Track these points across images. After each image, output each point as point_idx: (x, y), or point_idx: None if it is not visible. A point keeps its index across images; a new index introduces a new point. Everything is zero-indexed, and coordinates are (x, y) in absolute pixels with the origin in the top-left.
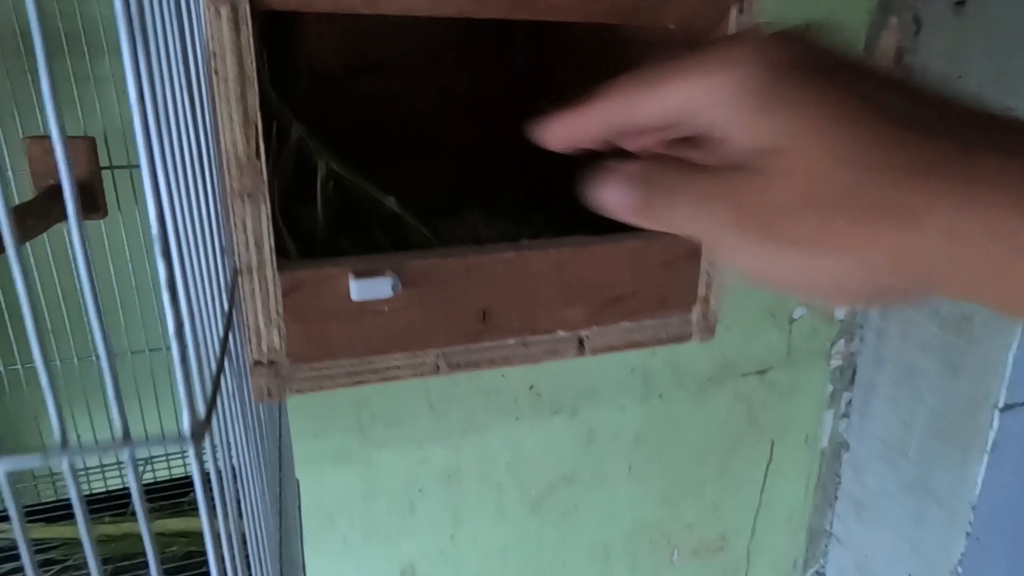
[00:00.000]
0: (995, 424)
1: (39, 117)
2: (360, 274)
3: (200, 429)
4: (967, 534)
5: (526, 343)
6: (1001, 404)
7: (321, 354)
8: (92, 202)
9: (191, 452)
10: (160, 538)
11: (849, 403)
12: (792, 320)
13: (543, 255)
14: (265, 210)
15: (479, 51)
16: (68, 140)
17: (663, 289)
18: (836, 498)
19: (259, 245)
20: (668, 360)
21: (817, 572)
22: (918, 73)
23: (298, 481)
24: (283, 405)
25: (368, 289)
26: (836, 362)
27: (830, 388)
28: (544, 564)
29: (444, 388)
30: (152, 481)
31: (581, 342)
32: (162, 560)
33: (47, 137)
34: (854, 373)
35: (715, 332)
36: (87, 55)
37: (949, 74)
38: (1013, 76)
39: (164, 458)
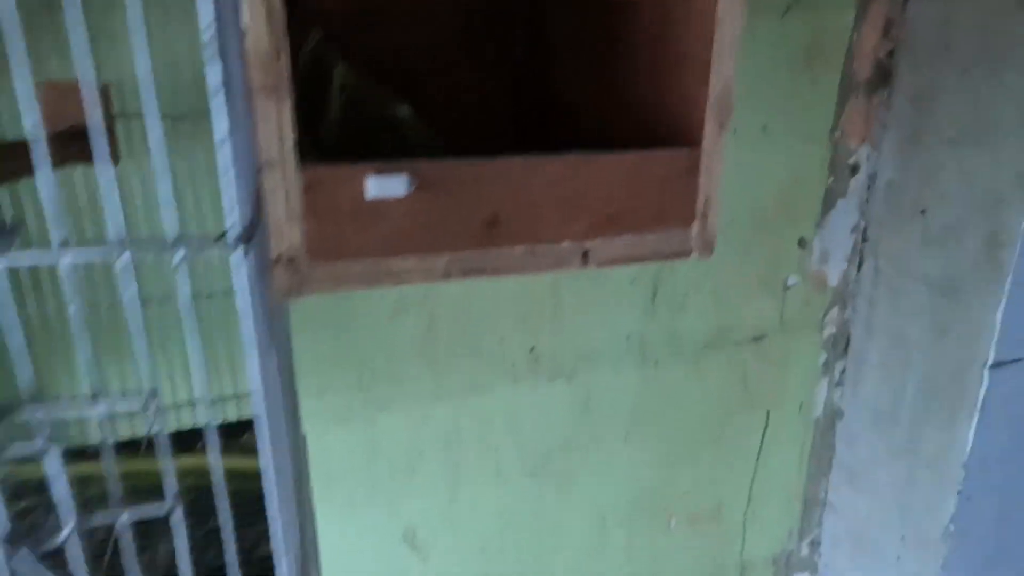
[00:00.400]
0: (985, 382)
1: (54, 63)
2: (377, 172)
3: (248, 232)
4: (958, 493)
5: (533, 252)
6: (990, 363)
7: (338, 253)
8: (90, 152)
9: (239, 253)
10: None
11: (843, 371)
12: (786, 288)
13: (549, 164)
14: (288, 105)
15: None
16: (64, 85)
17: (662, 204)
18: (831, 467)
19: (282, 140)
20: (664, 327)
21: (813, 541)
22: (907, 44)
23: (304, 436)
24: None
25: (384, 186)
26: (830, 330)
27: (823, 357)
28: (542, 529)
29: (444, 349)
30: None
31: (585, 254)
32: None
33: (62, 82)
34: (847, 341)
35: (713, 249)
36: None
37: (937, 45)
38: (1000, 47)
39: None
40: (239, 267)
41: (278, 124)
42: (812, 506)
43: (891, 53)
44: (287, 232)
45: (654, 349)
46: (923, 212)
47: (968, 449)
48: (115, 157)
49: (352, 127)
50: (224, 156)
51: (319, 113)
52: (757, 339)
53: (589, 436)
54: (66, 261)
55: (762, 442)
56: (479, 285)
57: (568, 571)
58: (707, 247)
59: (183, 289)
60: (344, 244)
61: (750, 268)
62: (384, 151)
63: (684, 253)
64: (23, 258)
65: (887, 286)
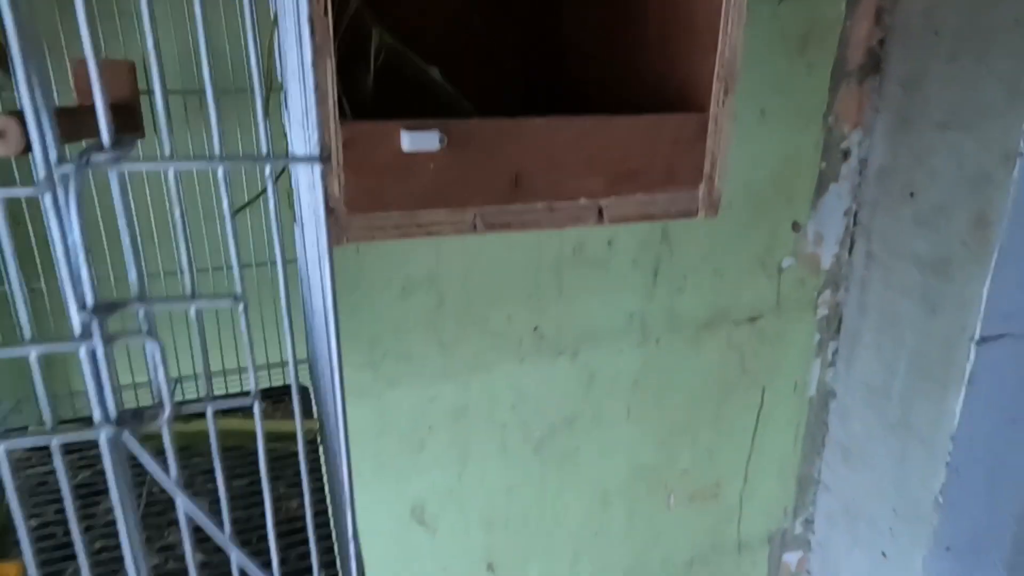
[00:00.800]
0: (972, 357)
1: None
2: (411, 128)
3: (325, 153)
4: (947, 464)
5: (552, 208)
6: (977, 337)
7: (374, 205)
8: (132, 122)
9: (315, 172)
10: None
11: (835, 352)
12: (781, 270)
13: (569, 124)
14: (331, 64)
15: None
16: (109, 63)
17: (673, 165)
18: (824, 446)
19: (324, 99)
20: (665, 306)
21: (806, 520)
22: (897, 31)
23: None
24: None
25: (418, 140)
26: (823, 311)
27: (817, 337)
28: (546, 506)
29: (452, 327)
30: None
31: (600, 211)
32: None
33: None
34: (840, 322)
35: (719, 210)
36: None
37: (925, 32)
38: (985, 33)
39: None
40: (315, 182)
41: (322, 81)
42: (806, 484)
43: (882, 42)
44: (329, 185)
45: (655, 328)
46: (912, 195)
47: (956, 422)
48: (141, 130)
49: (388, 88)
50: (308, 83)
51: (359, 75)
52: (753, 319)
53: (592, 413)
54: (173, 168)
55: (758, 421)
56: (485, 265)
57: (571, 546)
58: (713, 207)
59: (271, 202)
60: (379, 197)
61: (747, 250)
62: (417, 111)
63: (691, 212)
64: (134, 166)
65: (879, 266)
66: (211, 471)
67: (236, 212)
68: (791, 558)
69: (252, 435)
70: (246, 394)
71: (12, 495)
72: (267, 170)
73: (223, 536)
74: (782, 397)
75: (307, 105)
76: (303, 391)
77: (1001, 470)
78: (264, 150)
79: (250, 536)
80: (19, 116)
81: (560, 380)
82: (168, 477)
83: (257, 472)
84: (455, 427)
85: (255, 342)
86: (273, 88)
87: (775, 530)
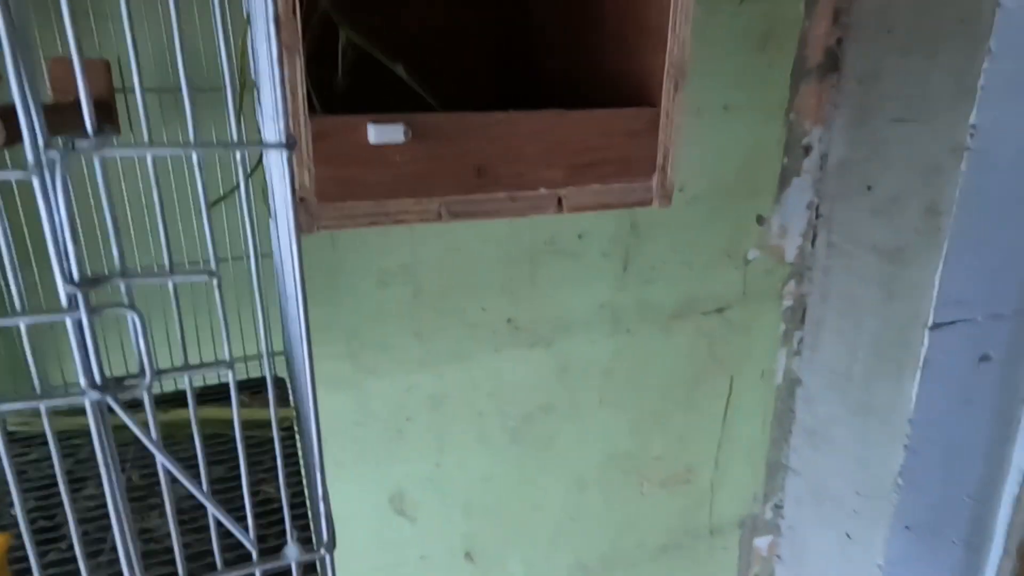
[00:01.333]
0: (926, 342)
1: (58, 42)
2: (377, 121)
3: (292, 141)
4: (905, 446)
5: (514, 198)
6: (930, 323)
7: (344, 195)
8: (109, 118)
9: (283, 157)
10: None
11: (801, 341)
12: (747, 261)
13: (528, 118)
14: (299, 63)
15: None
16: (86, 61)
17: (628, 156)
18: (791, 432)
19: (294, 93)
20: (635, 297)
21: (775, 505)
22: (854, 29)
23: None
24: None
25: (384, 133)
26: (788, 302)
27: (783, 327)
28: (524, 493)
29: (429, 318)
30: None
31: (560, 200)
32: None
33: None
34: (804, 313)
35: (672, 200)
36: None
37: (880, 29)
38: (934, 29)
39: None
40: (283, 168)
41: (291, 78)
42: (775, 470)
43: (840, 40)
44: (298, 177)
45: (626, 318)
46: (870, 188)
47: (913, 405)
48: (117, 128)
49: (359, 85)
50: (276, 76)
51: (330, 72)
52: (721, 310)
53: (567, 402)
54: (151, 153)
55: (727, 409)
56: (460, 257)
57: (548, 532)
58: (666, 197)
59: (241, 186)
60: (349, 186)
61: (714, 242)
62: (385, 106)
63: (646, 202)
64: (115, 152)
65: (840, 255)
66: (189, 459)
67: (212, 204)
68: (762, 543)
69: (229, 423)
70: (224, 362)
71: (4, 456)
72: (238, 156)
73: (201, 491)
74: (750, 385)
75: (276, 97)
76: (279, 381)
77: (957, 451)
78: (235, 138)
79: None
80: (2, 111)
81: (535, 369)
82: (150, 439)
83: (235, 459)
84: (433, 416)
85: (232, 336)
86: (247, 87)
87: (746, 515)
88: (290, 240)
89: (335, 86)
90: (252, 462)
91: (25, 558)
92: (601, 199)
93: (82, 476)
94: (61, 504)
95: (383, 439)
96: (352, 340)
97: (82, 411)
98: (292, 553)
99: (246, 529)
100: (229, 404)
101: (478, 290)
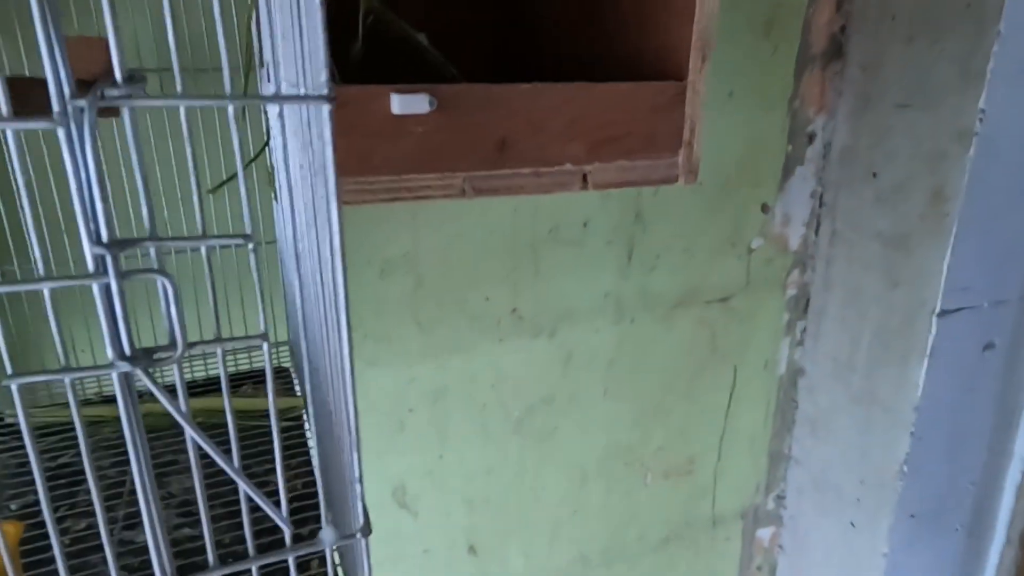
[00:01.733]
0: (933, 330)
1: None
2: (401, 91)
3: (332, 93)
4: (911, 434)
5: (539, 173)
6: (938, 310)
7: (364, 169)
8: None
9: (325, 113)
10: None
11: (804, 331)
12: (751, 250)
13: (552, 90)
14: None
15: None
16: (89, 40)
17: (653, 132)
18: (794, 422)
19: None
20: (639, 286)
21: (778, 496)
22: (857, 17)
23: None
24: None
25: (408, 104)
26: (791, 292)
27: (786, 317)
28: (525, 486)
29: (431, 308)
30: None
31: (585, 177)
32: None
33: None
34: (807, 302)
35: (697, 176)
36: None
37: (883, 17)
38: (939, 16)
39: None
40: (327, 122)
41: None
42: (777, 461)
43: (843, 28)
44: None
45: (629, 307)
46: (875, 175)
47: (919, 393)
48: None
49: (375, 54)
50: (316, 21)
51: (347, 41)
52: (724, 299)
53: (569, 392)
54: (184, 104)
55: (730, 399)
56: (463, 246)
57: (550, 524)
58: (692, 173)
59: (277, 140)
60: (369, 160)
61: (717, 231)
62: (404, 77)
63: (671, 179)
64: (147, 102)
65: (843, 244)
66: (198, 447)
67: (218, 187)
68: (764, 533)
69: (241, 413)
70: (257, 336)
71: (25, 430)
72: (275, 109)
73: (232, 465)
74: (753, 375)
75: (316, 45)
76: (283, 370)
77: (960, 438)
78: (272, 90)
79: (238, 509)
80: (13, 81)
81: (538, 360)
82: (179, 411)
83: (248, 448)
84: (435, 408)
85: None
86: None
87: (748, 506)
88: (329, 205)
89: (352, 55)
90: (259, 452)
91: (31, 549)
92: (626, 176)
93: (84, 470)
94: (65, 497)
95: (385, 432)
96: (354, 330)
97: (84, 402)
98: (328, 537)
99: (272, 511)
100: (239, 395)
101: (481, 280)
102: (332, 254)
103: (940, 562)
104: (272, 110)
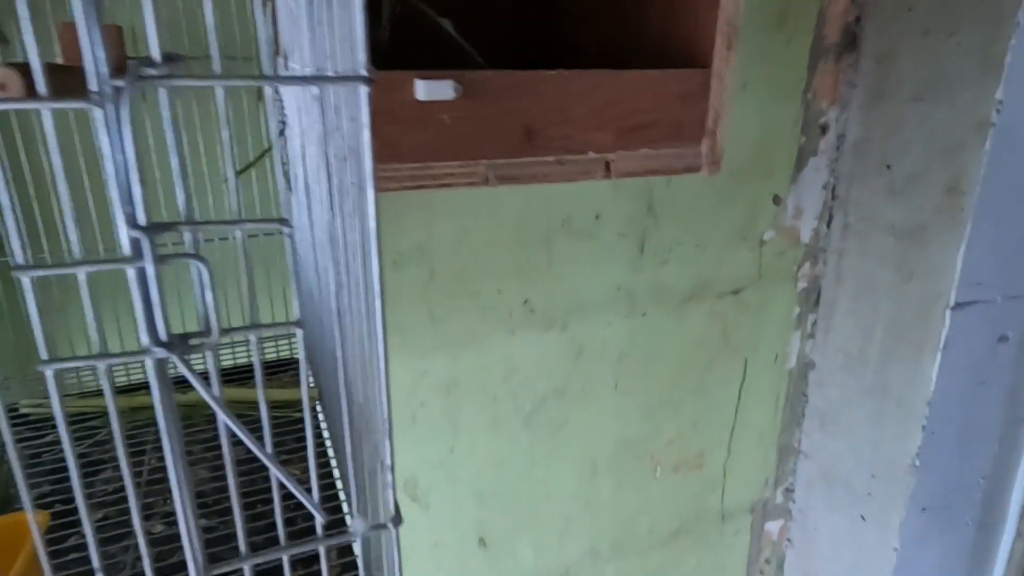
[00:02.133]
0: (947, 323)
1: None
2: (426, 77)
3: (371, 75)
4: (923, 427)
5: (562, 161)
6: (952, 304)
7: (390, 156)
8: None
9: (363, 95)
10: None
11: (814, 324)
12: (762, 243)
13: (579, 77)
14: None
15: None
16: (104, 27)
17: (678, 120)
18: (804, 416)
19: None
20: (651, 279)
21: (787, 490)
22: (872, 8)
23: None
24: None
25: (434, 90)
26: (802, 284)
27: (797, 310)
28: (536, 479)
29: (444, 301)
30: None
31: (608, 165)
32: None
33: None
34: (819, 295)
35: (721, 166)
36: None
37: (899, 8)
38: (956, 8)
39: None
40: (364, 104)
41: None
42: (786, 455)
43: (858, 19)
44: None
45: (641, 300)
46: (888, 167)
47: (932, 387)
48: None
49: (399, 41)
50: (355, 4)
51: (373, 27)
52: (736, 292)
53: (581, 385)
54: (221, 85)
55: (740, 392)
56: (475, 239)
57: (561, 518)
58: (716, 163)
59: (315, 125)
60: (395, 147)
61: (729, 223)
62: (428, 64)
63: (695, 168)
64: (184, 83)
65: (855, 236)
66: (211, 439)
67: (244, 169)
68: (773, 527)
69: (253, 404)
70: (293, 322)
71: (59, 417)
72: (314, 91)
73: (264, 451)
74: (763, 369)
75: (349, 29)
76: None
77: (972, 432)
78: (314, 71)
79: (254, 500)
80: (20, 68)
81: (550, 352)
82: (214, 397)
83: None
84: (446, 401)
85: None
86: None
87: (757, 500)
88: (365, 190)
89: (378, 40)
90: (277, 442)
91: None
92: (649, 164)
93: (99, 459)
94: (82, 487)
95: (397, 424)
96: None
97: (96, 393)
98: (359, 527)
99: (270, 526)
100: (252, 386)
101: (494, 272)
102: (366, 240)
103: (950, 556)
104: (289, 98)
